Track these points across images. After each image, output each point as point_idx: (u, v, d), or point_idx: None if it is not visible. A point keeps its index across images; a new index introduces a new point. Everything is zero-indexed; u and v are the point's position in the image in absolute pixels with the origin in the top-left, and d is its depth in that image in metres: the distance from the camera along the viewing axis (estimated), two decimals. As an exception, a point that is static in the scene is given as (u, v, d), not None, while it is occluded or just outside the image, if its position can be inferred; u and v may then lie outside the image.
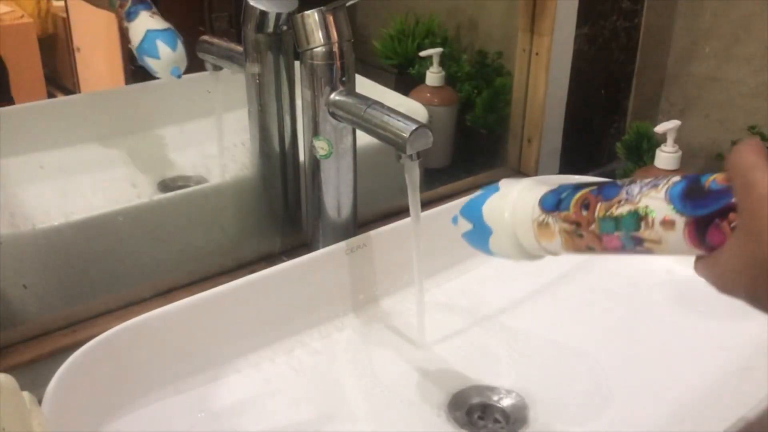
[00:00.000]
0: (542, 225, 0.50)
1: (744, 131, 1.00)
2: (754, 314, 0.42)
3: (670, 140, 0.92)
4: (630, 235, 0.44)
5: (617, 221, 0.45)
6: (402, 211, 0.76)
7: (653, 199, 0.43)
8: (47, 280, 0.71)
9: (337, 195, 0.75)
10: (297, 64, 0.74)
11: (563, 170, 1.07)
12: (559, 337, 0.75)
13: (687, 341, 0.73)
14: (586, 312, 0.79)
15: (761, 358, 0.69)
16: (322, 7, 0.68)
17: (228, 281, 0.69)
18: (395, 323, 0.76)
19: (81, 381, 0.59)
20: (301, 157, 0.78)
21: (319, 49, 0.69)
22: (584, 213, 0.47)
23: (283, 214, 0.83)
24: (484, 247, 0.55)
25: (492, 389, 0.68)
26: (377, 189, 0.88)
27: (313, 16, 0.68)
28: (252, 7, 0.72)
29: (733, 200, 0.39)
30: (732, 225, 0.40)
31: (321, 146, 0.73)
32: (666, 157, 0.93)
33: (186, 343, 0.66)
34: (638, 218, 0.44)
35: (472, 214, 0.55)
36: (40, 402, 0.53)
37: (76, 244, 0.71)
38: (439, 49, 1.01)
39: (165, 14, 0.77)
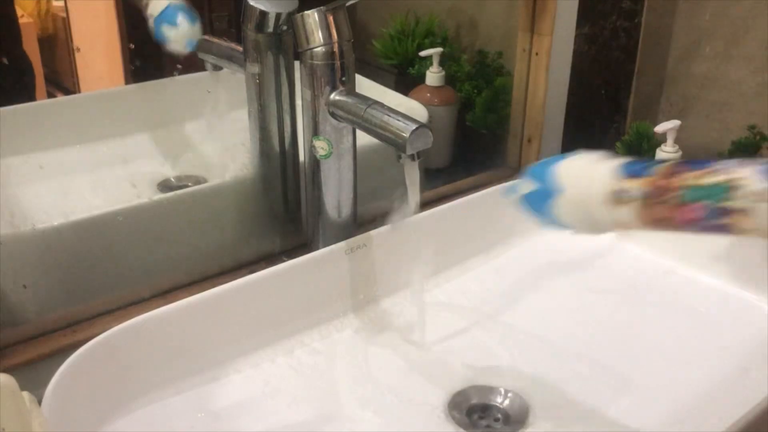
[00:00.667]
0: (619, 191, 0.48)
1: (744, 131, 0.99)
2: (754, 314, 0.42)
3: (670, 140, 0.92)
4: (717, 205, 0.43)
5: (706, 189, 0.44)
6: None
7: (747, 172, 0.42)
8: (47, 280, 0.71)
9: (337, 195, 0.75)
10: (297, 64, 0.74)
11: (563, 170, 1.07)
12: (559, 337, 0.75)
13: (687, 341, 0.73)
14: (586, 312, 0.79)
15: (761, 358, 0.69)
16: (322, 7, 0.68)
17: (228, 281, 0.69)
18: (395, 323, 0.76)
19: (81, 381, 0.59)
20: (301, 157, 0.78)
21: (319, 49, 0.69)
22: (671, 179, 0.45)
23: (283, 214, 0.83)
24: (544, 209, 0.52)
25: (492, 389, 0.68)
26: (377, 189, 0.88)
27: (313, 16, 0.68)
28: (252, 7, 0.72)
29: None
30: None
31: (321, 146, 0.73)
32: (666, 157, 0.93)
33: (186, 343, 0.66)
34: (729, 188, 0.43)
35: (543, 173, 0.53)
36: (40, 402, 0.53)
37: (76, 244, 0.71)
38: (439, 49, 1.01)
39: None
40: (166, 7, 0.75)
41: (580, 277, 0.83)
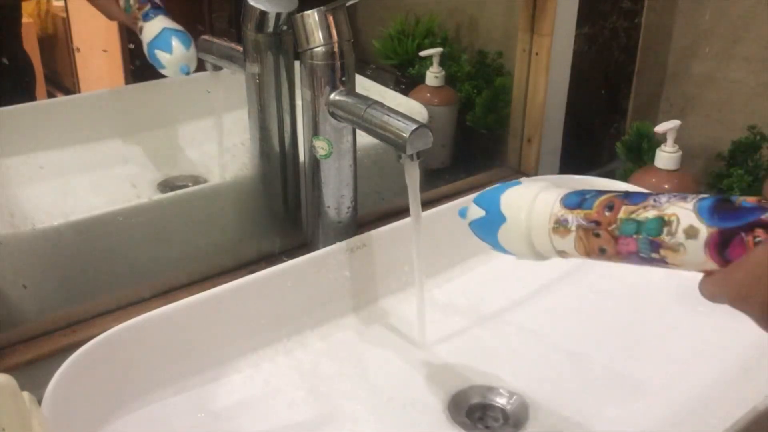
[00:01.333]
0: (560, 221, 0.49)
1: (744, 131, 1.00)
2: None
3: (670, 140, 0.92)
4: (649, 239, 0.44)
5: (640, 224, 0.45)
6: (402, 211, 0.76)
7: (681, 208, 0.43)
8: (47, 280, 0.71)
9: (337, 195, 0.75)
10: (297, 64, 0.74)
11: (563, 170, 1.07)
12: (559, 337, 0.75)
13: (687, 341, 0.73)
14: (586, 312, 0.79)
15: (761, 358, 0.69)
16: (322, 7, 0.68)
17: (228, 281, 0.69)
18: (395, 323, 0.76)
19: (81, 381, 0.59)
20: (301, 157, 0.78)
21: (319, 49, 0.69)
22: (607, 213, 0.47)
23: (283, 214, 0.83)
24: (491, 237, 0.54)
25: (492, 389, 0.68)
26: (377, 189, 0.88)
27: (313, 16, 0.68)
28: (252, 7, 0.72)
29: (763, 217, 0.40)
30: (756, 240, 0.40)
31: (321, 146, 0.73)
32: (666, 157, 0.93)
33: (186, 343, 0.66)
34: (662, 223, 0.44)
35: (489, 201, 0.54)
36: (40, 402, 0.53)
37: (76, 244, 0.71)
38: (439, 49, 1.01)
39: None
40: (161, 32, 0.74)
41: (580, 276, 0.83)
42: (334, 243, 0.75)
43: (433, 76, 1.02)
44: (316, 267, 0.73)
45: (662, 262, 0.45)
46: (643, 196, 0.46)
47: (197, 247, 0.78)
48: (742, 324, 0.44)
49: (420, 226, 0.70)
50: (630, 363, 0.71)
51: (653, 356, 0.72)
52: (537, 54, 0.98)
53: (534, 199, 0.51)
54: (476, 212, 0.56)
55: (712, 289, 0.43)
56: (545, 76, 0.98)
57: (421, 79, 1.03)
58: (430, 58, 1.02)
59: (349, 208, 0.77)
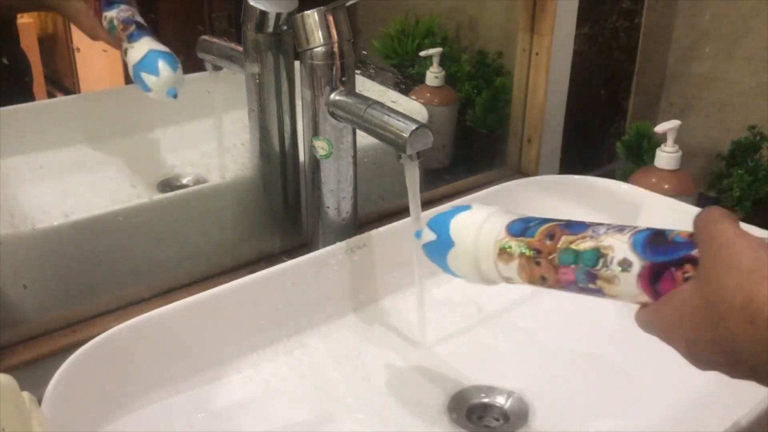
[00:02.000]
0: (504, 248, 0.51)
1: (744, 131, 1.00)
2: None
3: (670, 140, 0.92)
4: (586, 269, 0.46)
5: (577, 255, 0.46)
6: (402, 211, 0.76)
7: (616, 240, 0.45)
8: (47, 280, 0.71)
9: (337, 195, 0.75)
10: (297, 64, 0.74)
11: (563, 170, 1.07)
12: (559, 337, 0.75)
13: (687, 341, 0.73)
14: (586, 312, 0.79)
15: (761, 358, 0.69)
16: (322, 7, 0.68)
17: (228, 281, 0.69)
18: (395, 323, 0.76)
19: (81, 381, 0.59)
20: (301, 157, 0.78)
21: (319, 49, 0.69)
22: (548, 242, 0.49)
23: (283, 214, 0.83)
24: (441, 260, 0.56)
25: (492, 389, 0.68)
26: (377, 189, 0.88)
27: (313, 16, 0.68)
28: (252, 7, 0.72)
29: (693, 253, 0.41)
30: (685, 276, 0.41)
31: (321, 146, 0.73)
32: (666, 157, 0.93)
33: (186, 343, 0.66)
34: (598, 255, 0.45)
35: (440, 225, 0.56)
36: (40, 402, 0.53)
37: (76, 244, 0.71)
38: (439, 49, 1.01)
39: (165, 14, 0.77)
40: (147, 54, 0.72)
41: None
42: (334, 243, 0.75)
43: (433, 76, 1.02)
44: (316, 267, 0.73)
45: (599, 293, 0.46)
46: (583, 226, 0.48)
47: (197, 247, 0.78)
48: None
49: (420, 226, 0.69)
50: (630, 363, 0.71)
51: (653, 356, 0.72)
52: (537, 54, 0.98)
53: (481, 225, 0.53)
54: (428, 235, 0.57)
55: (645, 321, 0.45)
56: (545, 76, 0.98)
57: (421, 79, 1.03)
58: (430, 58, 1.02)
59: (349, 208, 0.77)
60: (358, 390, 0.68)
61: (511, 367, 0.71)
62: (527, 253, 0.50)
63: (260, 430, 0.63)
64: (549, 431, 0.64)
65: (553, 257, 0.48)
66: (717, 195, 0.99)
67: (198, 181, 0.82)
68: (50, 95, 0.77)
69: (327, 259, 0.74)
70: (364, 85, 0.92)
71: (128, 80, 0.79)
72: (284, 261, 0.73)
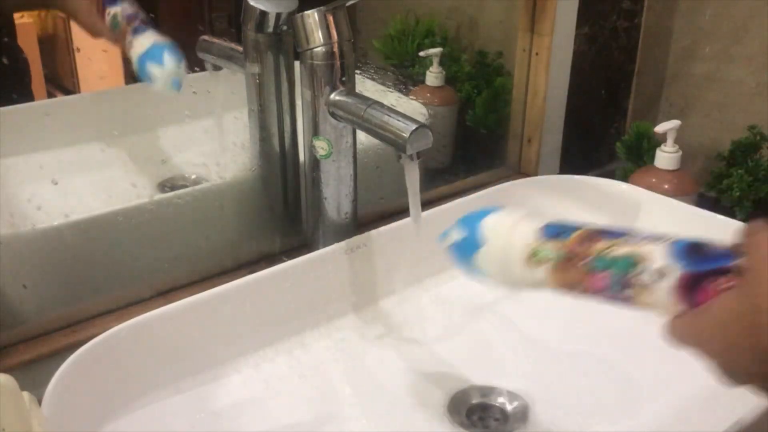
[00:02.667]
0: (536, 250, 0.50)
1: (744, 131, 1.00)
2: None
3: (670, 140, 0.92)
4: (620, 275, 0.45)
5: (613, 260, 0.46)
6: (402, 211, 0.76)
7: (654, 248, 0.44)
8: (47, 280, 0.71)
9: (337, 195, 0.75)
10: (297, 64, 0.74)
11: (563, 170, 1.07)
12: (560, 337, 0.75)
13: (687, 341, 0.73)
14: (586, 312, 0.79)
15: (761, 358, 0.69)
16: (322, 7, 0.68)
17: (228, 281, 0.69)
18: (395, 323, 0.76)
19: (81, 381, 0.59)
20: (301, 157, 0.78)
21: (319, 49, 0.69)
22: (582, 247, 0.48)
23: (283, 214, 0.83)
24: (468, 259, 0.56)
25: (492, 389, 0.68)
26: (377, 189, 0.88)
27: (313, 16, 0.68)
28: (252, 7, 0.72)
29: (731, 264, 0.41)
30: (724, 287, 0.41)
31: (321, 146, 0.73)
32: (666, 157, 0.93)
33: (186, 343, 0.66)
34: (633, 262, 0.45)
35: (471, 224, 0.56)
36: (40, 402, 0.53)
37: (76, 244, 0.71)
38: (439, 49, 1.01)
39: (165, 14, 0.77)
40: (152, 46, 0.73)
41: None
42: (334, 243, 0.75)
43: (433, 76, 1.02)
44: (316, 267, 0.73)
45: (629, 301, 0.46)
46: (618, 233, 0.47)
47: (197, 247, 0.78)
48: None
49: (420, 226, 0.70)
50: (630, 362, 0.71)
51: (653, 356, 0.72)
52: (537, 54, 0.98)
53: (514, 227, 0.52)
54: (456, 234, 0.57)
55: (679, 331, 0.44)
56: (545, 76, 0.98)
57: (421, 79, 1.03)
58: (430, 58, 1.02)
59: (349, 208, 0.77)
60: (358, 390, 0.68)
61: (511, 366, 0.71)
62: (560, 257, 0.49)
63: (260, 430, 0.63)
64: (549, 431, 0.64)
65: (586, 263, 0.47)
66: (717, 195, 0.99)
67: (198, 181, 0.82)
68: (50, 95, 0.77)
69: (327, 259, 0.74)
70: (364, 85, 0.92)
71: (128, 80, 0.79)
72: (284, 261, 0.73)
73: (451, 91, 1.04)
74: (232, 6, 0.83)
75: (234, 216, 0.82)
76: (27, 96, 0.75)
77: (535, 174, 1.03)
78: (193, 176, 0.82)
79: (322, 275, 0.74)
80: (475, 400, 0.67)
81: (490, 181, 0.97)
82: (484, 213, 0.55)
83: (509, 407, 0.66)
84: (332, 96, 0.70)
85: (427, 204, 0.80)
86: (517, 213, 0.54)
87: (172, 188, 0.80)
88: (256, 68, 0.75)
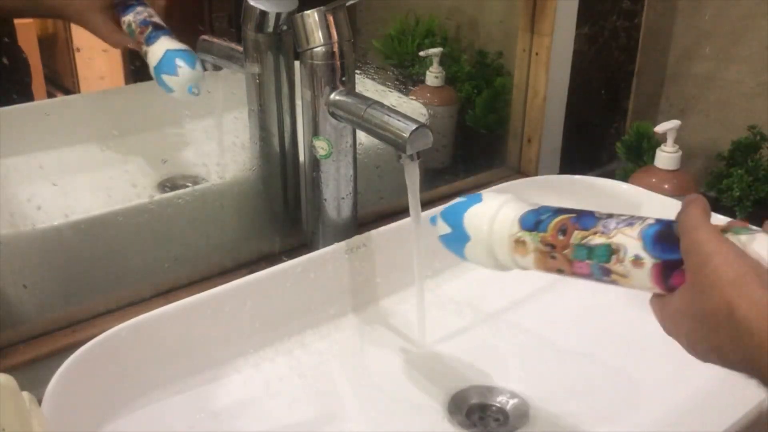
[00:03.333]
0: (518, 241, 0.53)
1: (744, 131, 1.00)
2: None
3: (670, 140, 0.92)
4: (600, 265, 0.47)
5: (590, 250, 0.47)
6: (402, 211, 0.76)
7: (627, 237, 0.46)
8: (47, 280, 0.71)
9: (337, 195, 0.75)
10: (297, 64, 0.74)
11: (563, 170, 1.07)
12: (559, 338, 0.75)
13: (687, 341, 0.73)
14: (585, 312, 0.79)
15: (761, 358, 0.69)
16: (322, 7, 0.68)
17: (228, 281, 0.69)
18: (395, 323, 0.76)
19: (81, 381, 0.59)
20: (301, 157, 0.78)
21: (319, 49, 0.69)
22: (560, 237, 0.50)
23: (283, 214, 0.83)
24: (459, 251, 0.57)
25: (492, 389, 0.68)
26: (377, 189, 0.88)
27: (313, 16, 0.68)
28: (252, 7, 0.72)
29: None
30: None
31: (321, 146, 0.73)
32: (666, 157, 0.93)
33: (186, 343, 0.66)
34: (610, 252, 0.46)
35: (453, 218, 0.57)
36: (40, 402, 0.53)
37: (76, 244, 0.71)
38: (439, 49, 1.01)
39: (165, 14, 0.77)
40: (164, 55, 0.73)
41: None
42: (334, 243, 0.75)
43: (433, 76, 1.02)
44: (316, 267, 0.73)
45: (616, 283, 0.48)
46: (593, 220, 0.48)
47: (197, 247, 0.78)
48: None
49: (420, 226, 0.70)
50: (630, 363, 0.71)
51: (653, 356, 0.72)
52: (537, 54, 0.98)
53: (494, 218, 0.54)
54: (443, 228, 0.58)
55: (654, 311, 0.47)
56: (545, 76, 0.98)
57: (421, 79, 1.03)
58: (430, 58, 1.02)
59: (349, 208, 0.77)
60: (357, 390, 0.68)
61: (511, 367, 0.71)
62: (542, 248, 0.51)
63: (260, 430, 0.63)
64: (549, 431, 0.64)
65: (567, 252, 0.49)
66: (717, 195, 0.99)
67: (198, 181, 0.82)
68: (50, 95, 0.77)
69: (327, 259, 0.74)
70: (364, 85, 0.92)
71: (128, 80, 0.79)
72: (284, 261, 0.73)
73: (451, 91, 1.04)
74: (232, 6, 0.83)
75: (234, 216, 0.82)
76: (27, 96, 0.75)
77: (535, 174, 1.03)
78: (193, 176, 0.82)
79: (322, 275, 0.74)
80: (475, 400, 0.67)
81: (490, 181, 0.97)
82: (465, 205, 0.57)
83: (509, 407, 0.66)
84: (332, 96, 0.70)
85: (427, 204, 0.80)
86: (495, 201, 0.55)
87: (172, 188, 0.80)
88: (256, 68, 0.75)
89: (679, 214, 0.44)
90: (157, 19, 0.75)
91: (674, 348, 0.74)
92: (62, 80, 0.78)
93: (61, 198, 0.73)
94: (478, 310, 0.79)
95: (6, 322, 0.67)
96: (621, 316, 0.78)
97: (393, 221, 0.79)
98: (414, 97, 1.02)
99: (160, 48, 0.73)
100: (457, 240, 0.57)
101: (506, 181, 0.92)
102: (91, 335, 0.61)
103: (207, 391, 0.66)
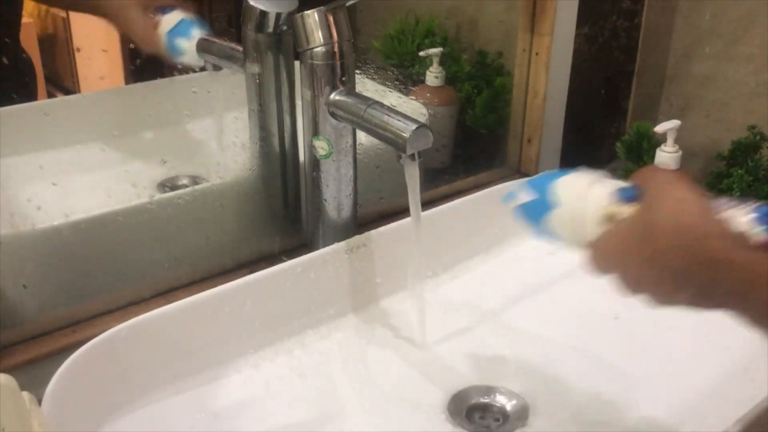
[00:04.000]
0: (613, 213, 0.51)
1: (744, 131, 0.99)
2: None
3: (670, 140, 0.92)
4: None
5: None
6: (402, 211, 0.76)
7: (739, 212, 0.46)
8: (47, 280, 0.71)
9: (337, 195, 0.75)
10: (297, 64, 0.74)
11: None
12: (559, 337, 0.75)
13: (687, 341, 0.73)
14: (585, 311, 0.79)
15: (761, 358, 0.69)
16: (322, 7, 0.68)
17: (228, 281, 0.69)
18: (395, 323, 0.76)
19: (81, 381, 0.59)
20: (301, 157, 0.78)
21: (319, 49, 0.69)
22: None
23: (283, 214, 0.83)
24: (539, 221, 0.55)
25: (492, 389, 0.68)
26: (377, 189, 0.88)
27: (313, 16, 0.68)
28: (252, 6, 0.72)
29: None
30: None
31: (321, 146, 0.73)
32: (666, 157, 0.93)
33: (186, 343, 0.66)
34: None
35: (543, 185, 0.55)
36: (40, 402, 0.53)
37: (76, 244, 0.71)
38: (439, 49, 1.01)
39: (165, 14, 0.77)
40: (180, 22, 0.76)
41: (581, 276, 0.83)
42: (334, 243, 0.75)
43: (433, 76, 1.02)
44: (316, 267, 0.73)
45: None
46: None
47: (197, 247, 0.78)
48: (743, 324, 0.45)
49: (420, 226, 0.70)
50: (630, 362, 0.71)
51: (653, 356, 0.72)
52: (537, 54, 0.98)
53: (590, 187, 0.52)
54: (526, 196, 0.56)
55: (594, 253, 0.51)
56: (545, 76, 0.98)
57: (421, 79, 1.03)
58: (430, 58, 1.02)
59: (349, 208, 0.77)
60: (358, 390, 0.68)
61: (511, 366, 0.71)
62: None
63: (260, 430, 0.63)
64: (549, 431, 0.64)
65: None
66: (717, 195, 0.99)
67: (198, 181, 0.82)
68: (50, 95, 0.77)
69: (327, 259, 0.74)
70: (364, 85, 0.92)
71: (128, 80, 0.79)
72: (284, 261, 0.73)
73: (451, 91, 1.04)
74: (232, 6, 0.83)
75: (234, 216, 0.82)
76: (27, 96, 0.75)
77: (536, 174, 1.03)
78: (193, 176, 0.82)
79: (322, 275, 0.74)
80: (475, 400, 0.67)
81: (490, 181, 0.97)
82: (554, 175, 0.55)
83: (509, 407, 0.66)
84: (332, 96, 0.70)
85: (427, 204, 0.80)
86: (592, 174, 0.54)
87: (172, 188, 0.80)
88: (256, 68, 0.75)
89: (639, 171, 0.50)
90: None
91: (674, 348, 0.74)
92: (62, 80, 0.78)
93: (61, 198, 0.73)
94: (478, 310, 0.79)
95: (6, 322, 0.67)
96: (621, 316, 0.78)
97: (393, 221, 0.79)
98: (414, 97, 1.02)
99: (176, 17, 0.76)
100: (540, 208, 0.54)
101: (506, 181, 0.92)
102: (91, 335, 0.61)
103: (207, 391, 0.66)
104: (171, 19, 0.76)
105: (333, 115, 0.71)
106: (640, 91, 1.17)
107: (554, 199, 0.54)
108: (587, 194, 0.52)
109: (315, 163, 0.74)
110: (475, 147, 1.08)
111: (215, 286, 0.68)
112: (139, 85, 0.79)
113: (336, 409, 0.66)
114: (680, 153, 0.93)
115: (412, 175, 0.67)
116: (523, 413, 0.65)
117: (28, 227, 0.69)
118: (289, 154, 0.80)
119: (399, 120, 0.65)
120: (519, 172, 1.04)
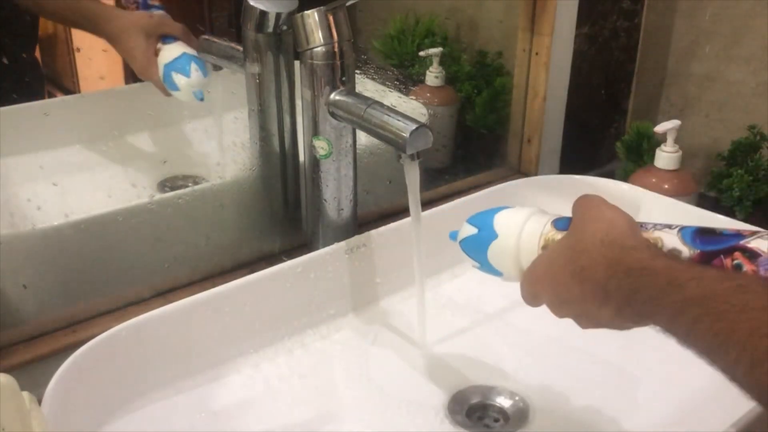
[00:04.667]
0: (550, 239, 0.52)
1: (744, 131, 1.00)
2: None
3: (670, 140, 0.92)
4: None
5: None
6: (402, 211, 0.76)
7: (665, 233, 0.47)
8: (47, 280, 0.71)
9: (337, 195, 0.75)
10: (297, 64, 0.74)
11: (563, 170, 1.07)
12: (559, 337, 0.75)
13: (687, 341, 0.73)
14: (586, 312, 0.79)
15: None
16: (322, 7, 0.68)
17: (228, 281, 0.69)
18: (395, 323, 0.76)
19: (81, 381, 0.59)
20: (301, 157, 0.78)
21: (319, 48, 0.69)
22: None
23: (283, 214, 0.83)
24: (481, 254, 0.57)
25: (492, 389, 0.68)
26: (377, 189, 0.88)
27: (313, 16, 0.68)
28: (252, 6, 0.72)
29: (741, 243, 0.44)
30: (735, 263, 0.44)
31: (321, 146, 0.73)
32: (666, 156, 0.93)
33: (186, 343, 0.66)
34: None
35: (483, 220, 0.57)
36: (40, 402, 0.53)
37: (76, 244, 0.71)
38: (439, 49, 1.01)
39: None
40: (180, 56, 0.75)
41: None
42: (334, 243, 0.75)
43: (433, 76, 1.02)
44: (316, 267, 0.73)
45: None
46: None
47: (197, 247, 0.78)
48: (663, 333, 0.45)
49: (420, 226, 0.70)
50: (630, 363, 0.71)
51: (653, 356, 0.72)
52: (537, 54, 0.98)
53: (527, 219, 0.55)
54: (468, 230, 0.58)
55: (526, 280, 0.52)
56: (545, 76, 0.98)
57: (421, 79, 1.03)
58: (430, 58, 1.02)
59: (349, 208, 0.77)
60: (358, 390, 0.68)
61: (511, 367, 0.71)
62: None
63: (260, 430, 0.63)
64: (549, 431, 0.64)
65: None
66: (717, 195, 0.99)
67: (198, 181, 0.82)
68: (50, 95, 0.77)
69: (327, 259, 0.74)
70: (364, 85, 0.92)
71: (128, 80, 0.79)
72: (284, 261, 0.73)
73: (451, 91, 1.04)
74: (232, 6, 0.83)
75: (234, 216, 0.82)
76: (28, 96, 0.75)
77: (535, 174, 1.03)
78: (193, 176, 0.82)
79: (322, 275, 0.74)
80: (475, 400, 0.67)
81: (490, 181, 0.97)
82: (495, 210, 0.57)
83: (509, 407, 0.66)
84: (332, 96, 0.70)
85: (427, 204, 0.80)
86: (528, 208, 0.56)
87: (172, 188, 0.80)
88: (256, 68, 0.75)
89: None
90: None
91: (674, 347, 0.74)
92: (62, 80, 0.78)
93: (61, 198, 0.73)
94: (478, 310, 0.79)
95: (6, 322, 0.67)
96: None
97: (393, 221, 0.79)
98: (414, 97, 1.02)
99: (178, 49, 0.75)
100: (482, 240, 0.56)
101: (506, 181, 0.92)
102: (91, 335, 0.61)
103: (207, 391, 0.66)
104: (172, 51, 0.75)
105: (333, 115, 0.71)
106: (640, 91, 1.18)
107: (493, 233, 0.56)
108: (524, 225, 0.54)
109: (315, 163, 0.74)
110: (475, 147, 1.08)
111: (215, 286, 0.68)
112: (139, 85, 0.79)
113: (336, 409, 0.66)
114: (680, 153, 0.93)
115: (412, 175, 0.67)
116: (523, 413, 0.65)
117: (28, 227, 0.69)
118: (289, 154, 0.80)
119: (399, 120, 0.65)
120: (519, 172, 1.04)
